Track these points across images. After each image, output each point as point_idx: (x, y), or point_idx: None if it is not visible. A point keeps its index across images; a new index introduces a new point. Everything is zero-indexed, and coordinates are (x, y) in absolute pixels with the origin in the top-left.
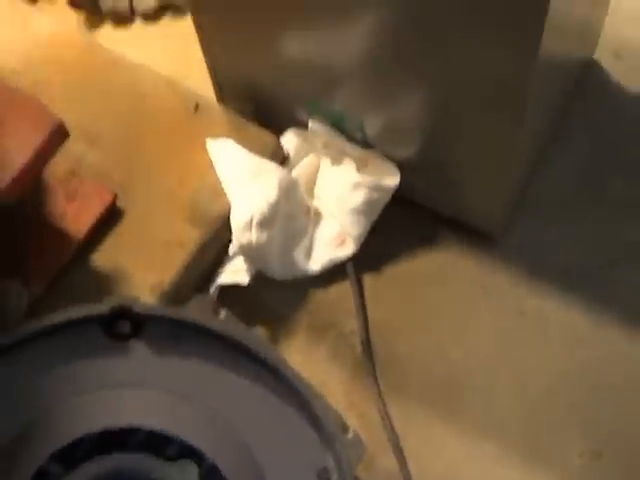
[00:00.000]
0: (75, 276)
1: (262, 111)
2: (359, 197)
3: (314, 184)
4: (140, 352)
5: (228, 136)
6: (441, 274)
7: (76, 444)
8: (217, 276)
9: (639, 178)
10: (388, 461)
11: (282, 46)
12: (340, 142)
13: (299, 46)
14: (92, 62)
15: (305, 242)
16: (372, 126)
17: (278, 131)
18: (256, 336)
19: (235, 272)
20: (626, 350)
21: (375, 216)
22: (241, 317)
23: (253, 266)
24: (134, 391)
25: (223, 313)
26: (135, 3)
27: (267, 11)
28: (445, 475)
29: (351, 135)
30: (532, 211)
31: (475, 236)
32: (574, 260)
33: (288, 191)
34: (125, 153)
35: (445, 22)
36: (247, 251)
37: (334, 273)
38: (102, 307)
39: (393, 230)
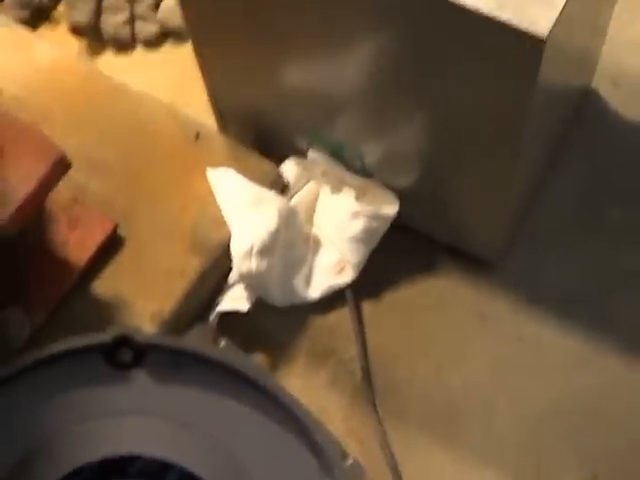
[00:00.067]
0: (76, 304)
1: (263, 139)
2: (358, 226)
3: (313, 212)
4: (141, 380)
5: (228, 165)
6: (440, 301)
7: (76, 473)
8: (217, 303)
9: (637, 206)
10: None
11: (282, 77)
12: (339, 171)
13: (298, 77)
14: (93, 89)
15: (304, 269)
16: (371, 156)
17: (278, 159)
18: (255, 364)
19: (235, 299)
20: (624, 377)
21: (374, 244)
22: (241, 344)
23: (253, 293)
24: (135, 419)
25: (223, 342)
26: (136, 30)
27: (267, 43)
28: None
29: (350, 164)
30: (530, 238)
31: (474, 262)
32: (572, 287)
33: (288, 219)
34: (126, 181)
35: (444, 55)
36: (247, 279)
37: (333, 299)
38: (104, 336)
39: (392, 257)
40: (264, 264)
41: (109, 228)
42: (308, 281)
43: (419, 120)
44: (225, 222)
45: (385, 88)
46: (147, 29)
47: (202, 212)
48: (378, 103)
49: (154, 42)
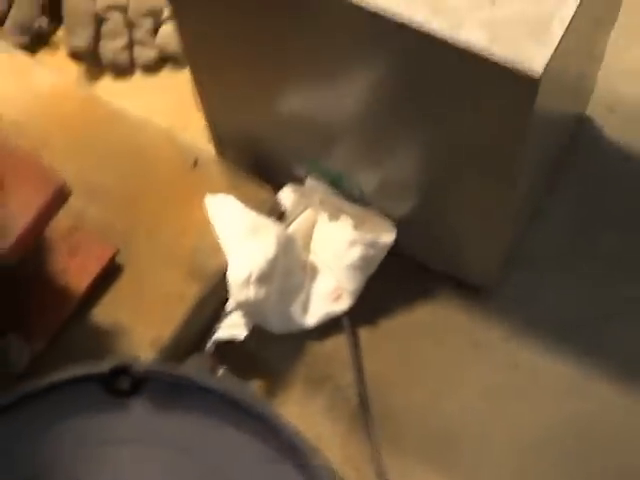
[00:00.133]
0: (76, 331)
1: (261, 166)
2: (355, 254)
3: (311, 239)
4: (140, 408)
5: (227, 192)
6: (436, 327)
7: None
8: (215, 330)
9: (633, 232)
10: None
11: (279, 104)
12: (337, 199)
13: (296, 105)
14: (92, 115)
15: (302, 297)
16: (369, 185)
17: (277, 186)
18: (253, 392)
19: (232, 327)
20: (619, 404)
21: (371, 271)
22: (238, 370)
23: (250, 321)
24: (134, 447)
25: (221, 371)
26: (135, 55)
27: (264, 71)
28: None
29: (348, 193)
30: (526, 264)
31: (469, 290)
32: (567, 314)
33: (286, 247)
34: (125, 207)
35: (439, 89)
36: (245, 307)
37: (330, 326)
38: (103, 366)
39: (389, 283)
40: (262, 292)
41: (108, 255)
42: (305, 308)
43: (416, 151)
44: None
45: (382, 119)
46: (146, 54)
47: (201, 238)
48: (375, 134)
49: (153, 67)
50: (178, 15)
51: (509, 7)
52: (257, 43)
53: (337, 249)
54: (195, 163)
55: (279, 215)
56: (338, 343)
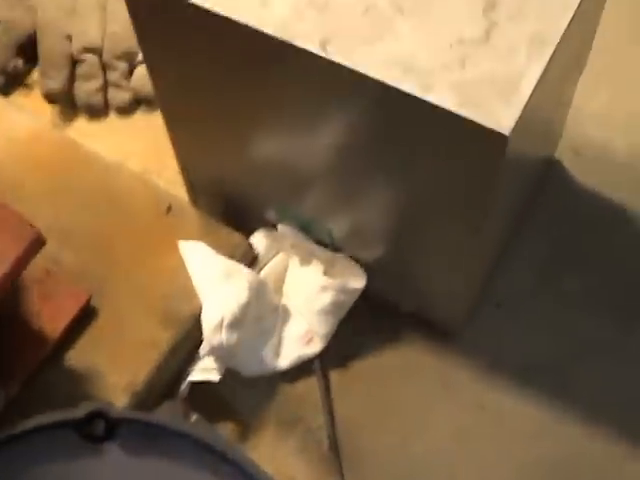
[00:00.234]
0: (50, 375)
1: (233, 211)
2: (326, 299)
3: (283, 283)
4: (114, 454)
5: (199, 237)
6: (405, 369)
7: None
8: (188, 374)
9: (597, 274)
10: None
11: (249, 152)
12: (308, 244)
13: (266, 154)
14: (67, 158)
15: (274, 340)
16: (339, 231)
17: (249, 230)
18: (225, 438)
19: (206, 370)
20: (586, 446)
21: (342, 315)
22: (211, 412)
23: (223, 364)
24: None
25: (194, 416)
26: (110, 97)
27: (233, 119)
28: None
29: (319, 238)
30: (493, 305)
31: (438, 331)
32: (534, 355)
33: (258, 292)
34: (99, 252)
35: (408, 143)
36: (218, 351)
37: (301, 368)
38: (77, 412)
39: (359, 326)
40: (234, 337)
41: (83, 300)
42: (277, 351)
43: (385, 199)
44: (196, 294)
45: (351, 168)
46: (120, 96)
47: (174, 284)
48: (345, 182)
49: (127, 109)
50: (149, 61)
51: (479, 67)
52: (227, 93)
53: (308, 294)
54: (169, 209)
55: (252, 259)
56: (309, 385)
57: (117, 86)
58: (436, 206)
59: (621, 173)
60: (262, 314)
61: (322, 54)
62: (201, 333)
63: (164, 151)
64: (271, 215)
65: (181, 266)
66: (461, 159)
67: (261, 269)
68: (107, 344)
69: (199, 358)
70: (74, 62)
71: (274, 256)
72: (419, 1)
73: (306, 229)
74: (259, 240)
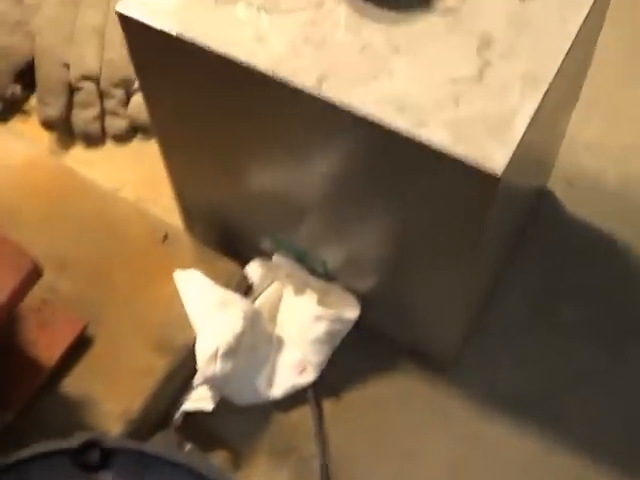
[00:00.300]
0: (46, 403)
1: (229, 240)
2: (320, 328)
3: (277, 311)
4: None
5: (195, 266)
6: (399, 399)
7: None
8: (182, 402)
9: (590, 305)
10: None
11: (244, 182)
12: (303, 274)
13: (260, 184)
14: (64, 186)
15: (267, 369)
16: (333, 262)
17: (244, 259)
18: (218, 468)
19: (199, 399)
20: (578, 477)
21: (336, 345)
22: (204, 441)
23: (217, 394)
24: None
25: (188, 446)
26: (107, 125)
27: (229, 150)
28: None
29: (313, 268)
30: (487, 335)
31: (432, 361)
32: (528, 386)
33: (253, 322)
34: (96, 280)
35: (402, 180)
36: (212, 381)
37: (295, 397)
38: (73, 441)
39: (353, 355)
40: (229, 366)
41: (78, 328)
42: (271, 380)
43: (378, 233)
44: (192, 323)
45: (345, 202)
46: (117, 124)
47: (170, 312)
48: (338, 214)
49: (124, 137)
50: (145, 90)
51: (472, 106)
52: (222, 123)
53: (303, 323)
54: (165, 238)
55: (246, 288)
56: (303, 414)
57: (114, 114)
58: (429, 239)
59: (613, 203)
60: (256, 343)
61: (318, 92)
62: (196, 362)
63: (160, 179)
64: (266, 245)
65: (177, 294)
66: (453, 195)
67: (256, 298)
68: (103, 372)
69: (193, 387)
70: (72, 89)
71: (269, 285)
72: (414, 40)
73: (301, 259)
74: (254, 269)
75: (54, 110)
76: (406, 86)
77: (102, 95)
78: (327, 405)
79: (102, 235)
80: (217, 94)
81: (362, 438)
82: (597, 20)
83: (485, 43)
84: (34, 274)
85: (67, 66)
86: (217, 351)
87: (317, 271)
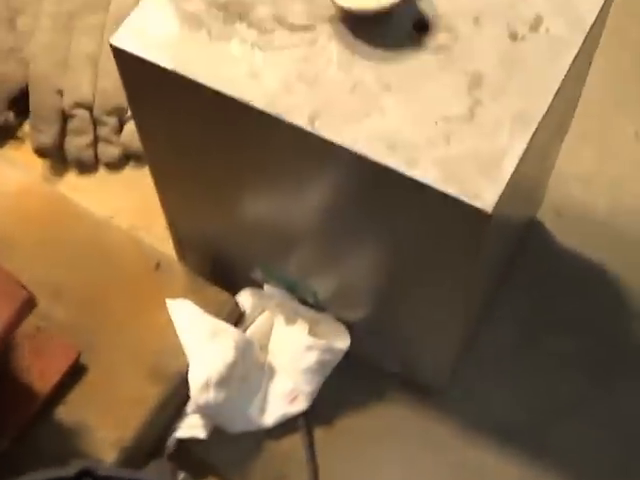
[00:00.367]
0: (40, 430)
1: (221, 269)
2: (311, 358)
3: (268, 340)
4: None
5: (187, 295)
6: (388, 427)
7: None
8: (175, 430)
9: (579, 335)
10: None
11: (235, 212)
12: (294, 304)
13: (250, 215)
14: (57, 213)
15: (259, 397)
16: (324, 293)
17: (236, 288)
18: None
19: (192, 427)
20: None
21: (327, 374)
22: (197, 469)
23: (210, 422)
24: None
25: (181, 475)
26: (99, 152)
27: (220, 181)
28: None
29: (304, 298)
30: (475, 363)
31: (421, 388)
32: (515, 413)
33: (244, 352)
34: (90, 308)
35: (393, 214)
36: (204, 410)
37: (286, 425)
38: (68, 470)
39: (344, 383)
40: (221, 395)
41: (72, 356)
42: (262, 409)
43: (369, 264)
44: (184, 351)
45: (336, 233)
46: (110, 152)
47: (162, 341)
48: (328, 247)
49: (117, 164)
50: (138, 121)
51: (463, 144)
52: (215, 156)
53: (294, 353)
54: (157, 266)
55: (238, 317)
56: (294, 442)
57: (107, 141)
58: (420, 272)
59: (603, 233)
60: (248, 372)
61: (310, 129)
62: (189, 390)
63: (153, 207)
64: (257, 275)
65: (170, 323)
66: (444, 231)
67: (247, 327)
68: (97, 399)
69: (186, 415)
70: (65, 117)
71: (260, 314)
72: (405, 78)
73: (291, 289)
74: (245, 298)
75: (47, 138)
76: (397, 124)
77: (95, 123)
78: (318, 433)
79: (95, 262)
80: (210, 128)
81: (353, 466)
82: (586, 59)
83: (476, 82)
84: (28, 304)
85: (61, 93)
86: (209, 380)
87: (308, 301)
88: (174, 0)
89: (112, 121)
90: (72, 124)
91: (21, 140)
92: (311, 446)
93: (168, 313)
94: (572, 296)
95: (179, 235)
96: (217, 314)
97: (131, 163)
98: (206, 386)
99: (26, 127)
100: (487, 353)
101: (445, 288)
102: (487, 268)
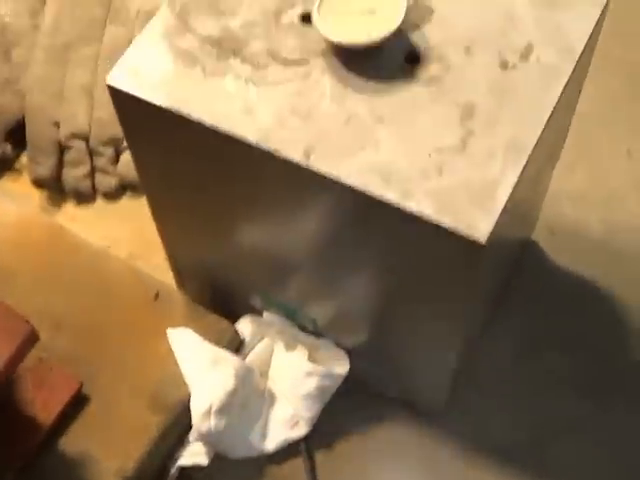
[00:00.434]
0: (44, 462)
1: (220, 297)
2: (311, 384)
3: (268, 367)
4: None
5: (187, 324)
6: (388, 449)
7: None
8: (177, 458)
9: (575, 353)
10: None
11: (232, 242)
12: (293, 331)
13: (246, 247)
14: (55, 245)
15: (260, 423)
16: (322, 320)
17: (235, 316)
18: None
19: (195, 454)
20: None
21: (327, 399)
22: None
23: (212, 449)
24: None
25: None
26: (97, 183)
27: (216, 211)
28: None
29: (303, 325)
30: (474, 384)
31: (419, 411)
32: (514, 433)
33: (244, 379)
34: (89, 339)
35: (388, 245)
36: (206, 437)
37: (287, 449)
38: None
39: (343, 407)
40: (222, 423)
41: (74, 387)
42: (264, 434)
43: (365, 292)
44: (185, 380)
45: (331, 265)
46: (107, 182)
47: (163, 370)
48: (325, 276)
49: (114, 194)
50: (134, 154)
51: (456, 175)
52: (210, 188)
53: (294, 379)
54: (156, 296)
55: (238, 345)
56: (295, 466)
57: (104, 172)
58: (416, 299)
59: (596, 252)
60: (249, 399)
61: (305, 163)
62: (190, 418)
63: (151, 236)
64: (257, 302)
65: (170, 352)
66: (439, 261)
67: (247, 354)
68: (99, 430)
69: (188, 442)
70: (62, 148)
71: (259, 341)
72: (398, 110)
73: (290, 316)
74: (245, 326)
75: (45, 169)
76: (391, 156)
77: (92, 153)
78: (319, 456)
79: (95, 292)
80: (205, 162)
81: None
82: (576, 87)
83: (468, 113)
84: (30, 339)
85: (57, 125)
86: (210, 408)
87: (307, 328)
88: (168, 37)
89: (108, 151)
90: (69, 155)
91: (19, 172)
92: (312, 470)
93: (168, 342)
94: (568, 314)
95: (178, 265)
96: (217, 342)
97: (128, 193)
98: (208, 414)
99: (23, 159)
100: (485, 372)
101: (442, 315)
102: (483, 294)
